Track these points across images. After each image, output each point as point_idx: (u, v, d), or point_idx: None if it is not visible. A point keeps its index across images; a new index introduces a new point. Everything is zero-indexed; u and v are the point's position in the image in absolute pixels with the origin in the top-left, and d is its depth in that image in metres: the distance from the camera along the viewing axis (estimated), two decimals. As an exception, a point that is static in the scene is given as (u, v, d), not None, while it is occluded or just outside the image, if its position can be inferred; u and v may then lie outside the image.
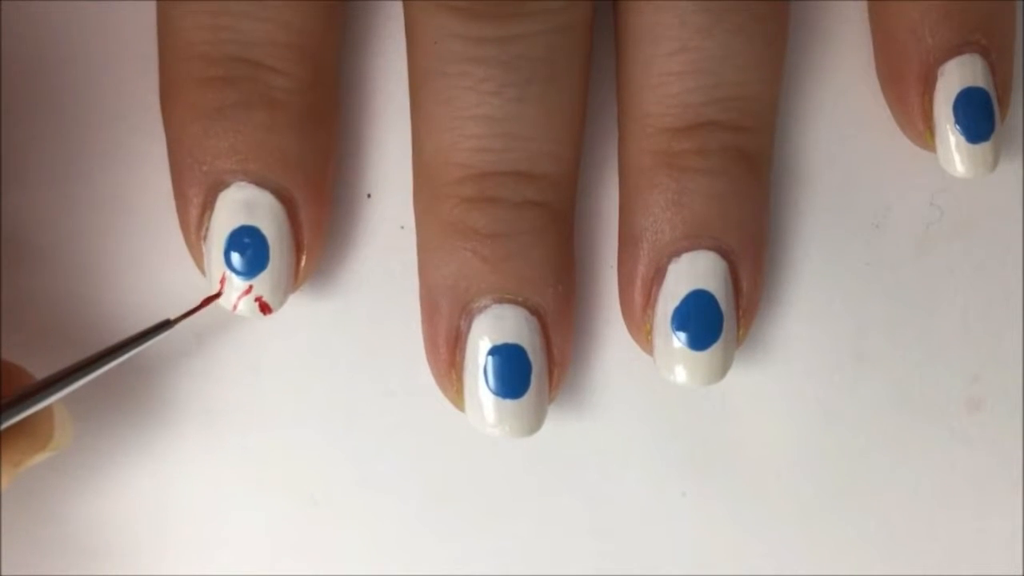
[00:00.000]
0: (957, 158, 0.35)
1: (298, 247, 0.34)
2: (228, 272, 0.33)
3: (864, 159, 0.37)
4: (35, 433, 0.32)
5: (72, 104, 0.36)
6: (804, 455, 0.36)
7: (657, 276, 0.34)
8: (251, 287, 0.33)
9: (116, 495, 0.35)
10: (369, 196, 0.36)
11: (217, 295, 0.34)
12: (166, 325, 0.33)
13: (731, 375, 0.35)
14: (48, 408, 0.32)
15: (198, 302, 0.34)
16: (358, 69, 0.36)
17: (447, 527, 0.36)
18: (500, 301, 0.33)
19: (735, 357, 0.35)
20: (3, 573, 0.35)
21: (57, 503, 0.35)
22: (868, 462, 0.36)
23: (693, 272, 0.34)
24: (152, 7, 0.34)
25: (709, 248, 0.34)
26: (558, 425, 0.35)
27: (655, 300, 0.34)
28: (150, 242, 0.35)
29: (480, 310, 0.33)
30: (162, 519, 0.35)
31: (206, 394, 0.35)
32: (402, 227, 0.36)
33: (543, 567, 0.36)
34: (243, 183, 0.33)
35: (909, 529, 0.36)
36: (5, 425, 0.30)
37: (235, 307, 0.34)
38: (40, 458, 0.32)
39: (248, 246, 0.33)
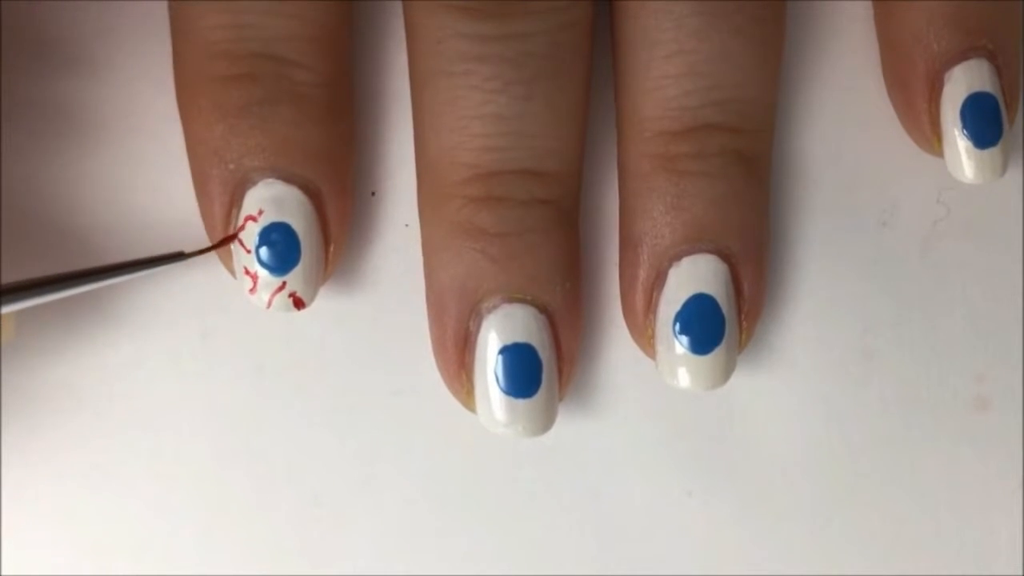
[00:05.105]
0: (966, 164, 0.34)
1: (326, 239, 0.34)
2: (260, 269, 0.33)
3: (870, 157, 0.36)
4: None
5: (72, 104, 0.36)
6: (810, 454, 0.36)
7: (658, 281, 0.34)
8: (284, 283, 0.33)
9: (118, 495, 0.35)
10: (373, 194, 0.36)
11: (233, 236, 0.34)
12: (179, 256, 0.33)
13: (737, 374, 0.35)
14: None
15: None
16: (359, 67, 0.36)
17: (452, 527, 0.36)
18: (509, 300, 0.33)
19: (741, 357, 0.35)
20: (3, 573, 0.35)
21: (58, 504, 0.35)
22: (873, 461, 0.36)
23: (694, 276, 0.33)
24: (150, 6, 0.35)
25: (709, 252, 0.34)
26: (564, 424, 0.35)
27: (656, 305, 0.34)
28: (152, 239, 0.35)
29: (489, 310, 0.33)
30: (165, 518, 0.35)
31: (210, 394, 0.35)
32: (407, 225, 0.36)
33: (549, 567, 0.36)
34: (271, 180, 0.33)
35: (914, 528, 0.36)
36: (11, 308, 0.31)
37: (269, 304, 0.33)
38: None
39: (279, 242, 0.33)
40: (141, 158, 0.35)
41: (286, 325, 0.35)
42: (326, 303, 0.35)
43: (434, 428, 0.35)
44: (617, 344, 0.36)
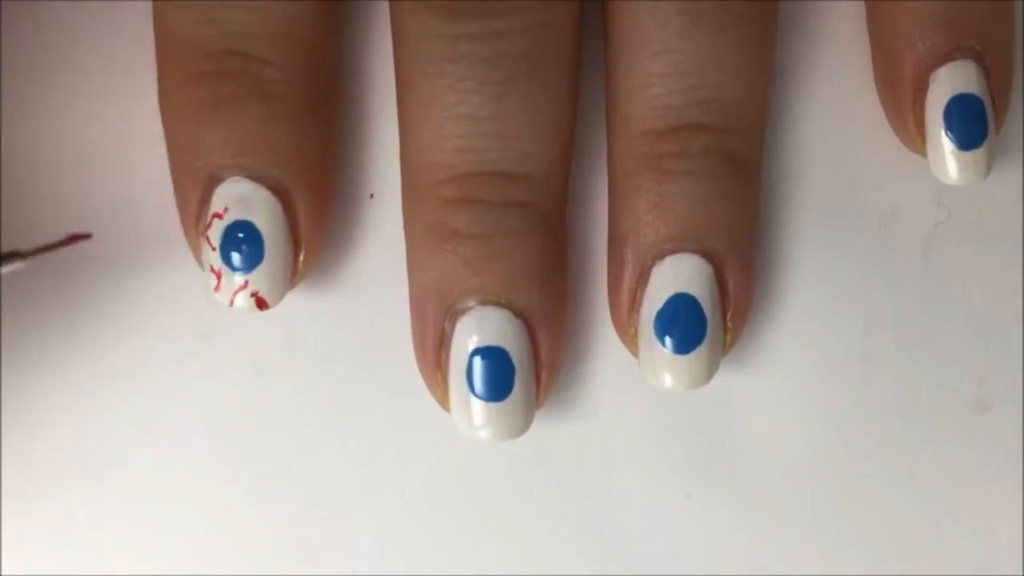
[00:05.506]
0: (948, 165, 0.34)
1: (296, 242, 0.34)
2: (224, 267, 0.33)
3: (872, 159, 0.36)
4: None
5: (72, 106, 0.36)
6: (809, 456, 0.36)
7: (641, 279, 0.34)
8: (247, 282, 0.33)
9: (118, 495, 0.35)
10: (372, 196, 0.36)
11: (85, 235, 0.33)
12: (14, 256, 0.32)
13: (737, 376, 0.35)
14: None
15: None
16: (362, 69, 0.36)
17: (451, 528, 0.36)
18: (484, 303, 0.33)
19: (743, 357, 0.35)
20: (3, 573, 0.35)
21: (57, 503, 0.35)
22: (874, 463, 0.36)
23: (676, 275, 0.33)
24: (149, 6, 0.35)
25: (692, 251, 0.33)
26: (563, 426, 0.35)
27: (639, 304, 0.34)
28: (151, 240, 0.36)
29: (463, 312, 0.33)
30: (164, 519, 0.35)
31: (210, 395, 0.35)
32: (405, 226, 0.36)
33: (548, 568, 0.35)
34: (237, 177, 0.33)
35: (915, 530, 0.36)
36: None
37: (231, 303, 0.33)
38: None
39: (243, 241, 0.33)
40: (142, 159, 0.36)
41: (286, 326, 0.35)
42: (326, 304, 0.36)
43: (434, 429, 0.35)
44: (616, 345, 0.35)
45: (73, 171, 0.36)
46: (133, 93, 0.36)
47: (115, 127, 0.36)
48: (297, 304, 0.35)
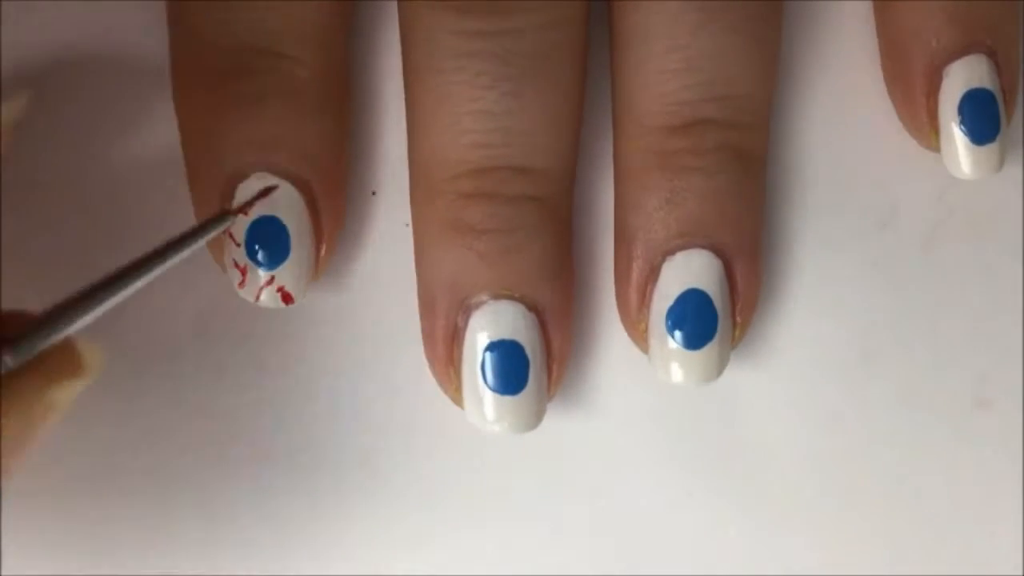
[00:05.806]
0: (962, 160, 0.34)
1: (318, 236, 0.34)
2: (250, 263, 0.33)
3: (871, 158, 0.36)
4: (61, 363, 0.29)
5: (72, 103, 0.36)
6: (810, 455, 0.36)
7: (651, 275, 0.34)
8: (273, 278, 0.33)
9: (116, 494, 0.35)
10: (374, 193, 0.36)
11: (274, 187, 0.33)
12: (224, 219, 0.32)
13: (738, 374, 0.35)
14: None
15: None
16: (363, 66, 0.36)
17: (451, 526, 0.35)
18: (497, 297, 0.33)
19: (743, 358, 0.35)
20: (3, 573, 0.35)
21: (57, 502, 0.35)
22: (874, 462, 0.36)
23: (687, 271, 0.33)
24: (151, 5, 0.35)
25: (703, 247, 0.33)
26: (564, 424, 0.35)
27: (650, 299, 0.34)
28: (151, 237, 0.35)
29: (477, 306, 0.33)
30: (163, 518, 0.35)
31: (210, 393, 0.35)
32: (407, 224, 0.35)
33: (548, 567, 0.35)
34: (262, 174, 0.33)
35: (915, 529, 0.36)
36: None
37: (257, 298, 0.33)
38: (76, 388, 0.30)
39: (269, 237, 0.33)
40: (145, 156, 0.36)
41: (286, 324, 0.35)
42: (327, 302, 0.35)
43: (435, 427, 0.35)
44: (617, 343, 0.35)
45: (73, 169, 0.35)
46: (134, 90, 0.36)
47: (115, 125, 0.36)
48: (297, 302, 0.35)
